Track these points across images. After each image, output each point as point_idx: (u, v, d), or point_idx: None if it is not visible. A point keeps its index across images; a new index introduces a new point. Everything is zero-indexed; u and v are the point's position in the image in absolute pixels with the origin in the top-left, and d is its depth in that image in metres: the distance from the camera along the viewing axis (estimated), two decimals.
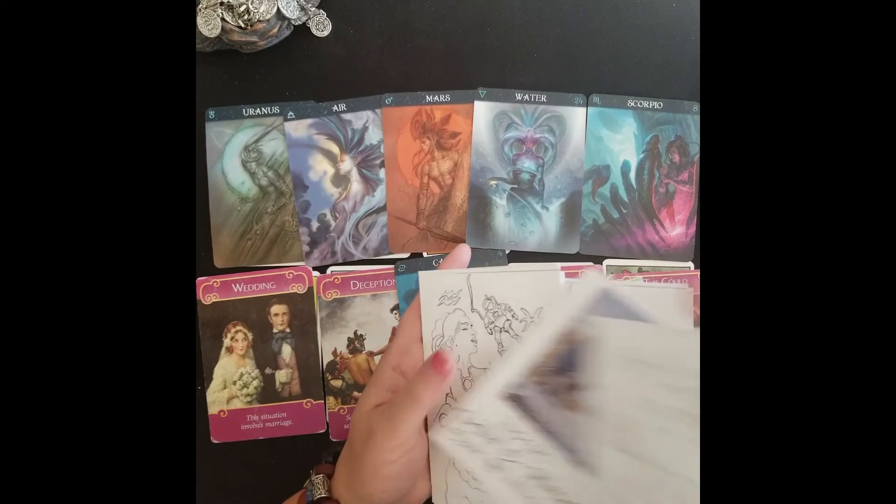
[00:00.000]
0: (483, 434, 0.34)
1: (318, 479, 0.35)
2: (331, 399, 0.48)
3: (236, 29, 0.45)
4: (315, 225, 0.48)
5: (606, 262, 0.48)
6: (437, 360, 0.33)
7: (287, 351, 0.48)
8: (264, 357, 0.48)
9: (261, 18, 0.45)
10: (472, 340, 0.36)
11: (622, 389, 0.31)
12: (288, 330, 0.48)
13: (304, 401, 0.48)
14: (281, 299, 0.48)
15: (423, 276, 0.37)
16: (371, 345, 0.48)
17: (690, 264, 0.48)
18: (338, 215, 0.48)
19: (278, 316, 0.48)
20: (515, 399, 0.33)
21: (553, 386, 0.33)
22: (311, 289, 0.48)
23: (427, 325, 0.37)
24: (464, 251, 0.38)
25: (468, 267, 0.38)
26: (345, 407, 0.48)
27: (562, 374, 0.33)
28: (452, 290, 0.37)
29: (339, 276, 0.48)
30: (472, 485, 0.36)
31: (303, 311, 0.48)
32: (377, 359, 0.48)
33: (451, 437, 0.34)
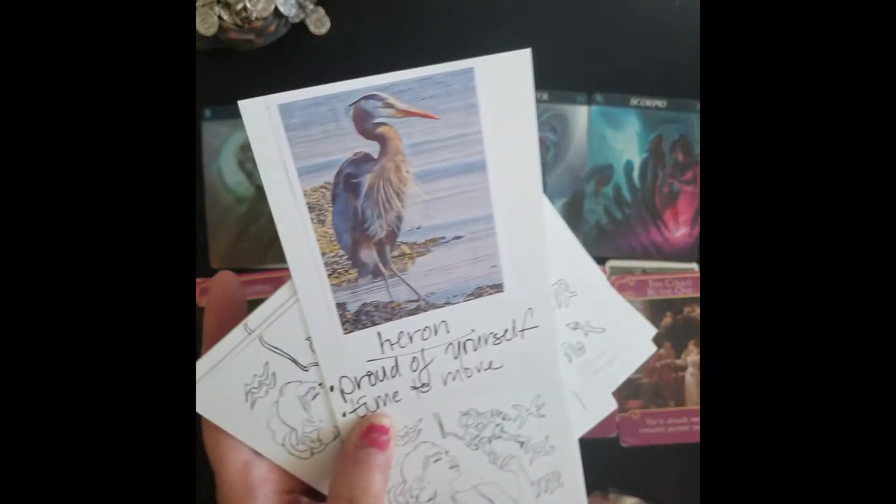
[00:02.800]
0: (377, 378, 0.28)
1: None
2: None
3: (233, 27, 0.45)
4: None
5: (609, 263, 0.48)
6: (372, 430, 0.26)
7: None
8: None
9: (258, 16, 0.44)
10: (451, 468, 0.30)
11: None
12: None
13: None
14: None
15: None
16: None
17: (695, 265, 0.48)
18: None
19: None
20: (355, 320, 0.27)
21: (364, 266, 0.27)
22: None
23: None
24: (225, 281, 0.29)
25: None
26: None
27: (359, 245, 0.26)
28: (408, 425, 0.29)
29: None
30: None
31: None
32: None
33: (360, 416, 0.29)
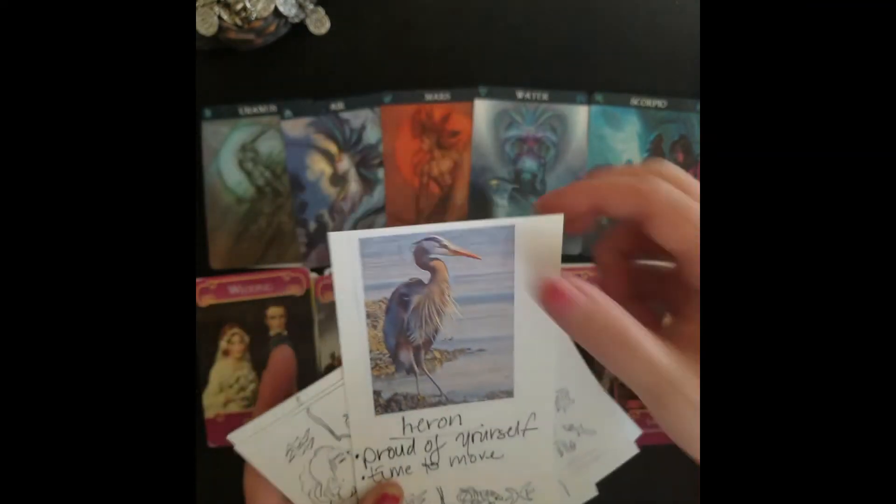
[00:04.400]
0: (397, 454, 0.33)
1: None
2: None
3: (233, 27, 0.45)
4: (313, 225, 0.48)
5: None
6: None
7: None
8: (261, 360, 0.47)
9: (258, 16, 0.44)
10: None
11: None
12: (285, 332, 0.47)
13: None
14: (278, 301, 0.47)
15: None
16: None
17: None
18: (336, 216, 0.48)
19: (275, 318, 0.47)
20: (387, 405, 0.32)
21: (402, 365, 0.32)
22: (308, 291, 0.47)
23: None
24: (284, 356, 0.34)
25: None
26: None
27: (401, 347, 0.31)
28: (414, 494, 0.34)
29: None
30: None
31: (300, 314, 0.47)
32: None
33: (375, 481, 0.33)
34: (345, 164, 0.48)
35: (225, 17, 0.45)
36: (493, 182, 0.48)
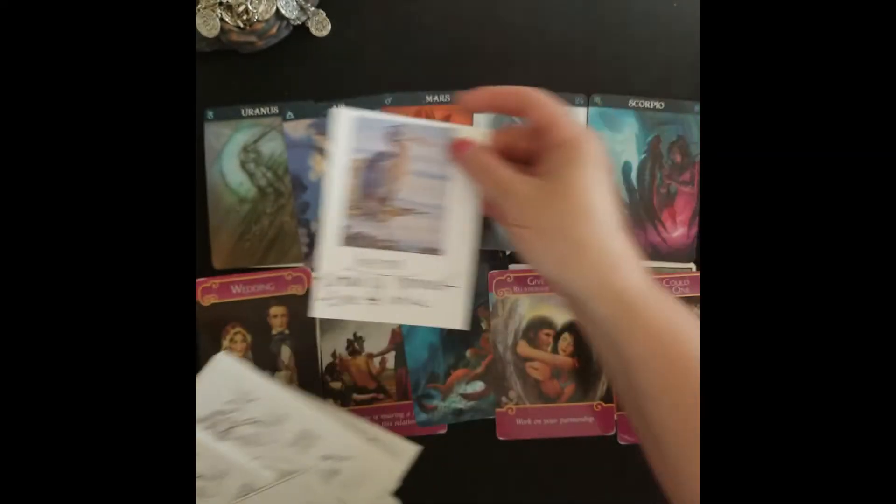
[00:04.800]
0: (350, 282, 0.42)
1: None
2: (330, 401, 0.47)
3: (235, 29, 0.45)
4: (314, 226, 0.48)
5: None
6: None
7: (286, 353, 0.47)
8: (263, 359, 0.47)
9: (260, 18, 0.45)
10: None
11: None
12: (287, 331, 0.48)
13: None
14: (280, 301, 0.47)
15: None
16: (370, 347, 0.48)
17: (692, 265, 0.48)
18: None
19: (277, 317, 0.47)
20: (351, 238, 0.42)
21: (368, 210, 0.42)
22: (310, 290, 0.47)
23: None
24: None
25: None
26: (344, 409, 0.47)
27: (369, 197, 0.42)
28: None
29: None
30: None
31: (302, 313, 0.47)
32: (377, 361, 0.48)
33: (329, 304, 0.42)
34: None
35: (227, 19, 0.45)
36: None
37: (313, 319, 0.47)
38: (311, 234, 0.48)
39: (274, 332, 0.47)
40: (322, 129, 0.48)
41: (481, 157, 0.39)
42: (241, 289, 0.47)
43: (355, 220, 0.41)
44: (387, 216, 0.41)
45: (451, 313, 0.42)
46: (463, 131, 0.41)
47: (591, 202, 0.35)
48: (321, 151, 0.48)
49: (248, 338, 0.47)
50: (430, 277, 0.42)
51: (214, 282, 0.47)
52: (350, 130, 0.41)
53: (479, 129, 0.41)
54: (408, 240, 0.42)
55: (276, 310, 0.47)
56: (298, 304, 0.47)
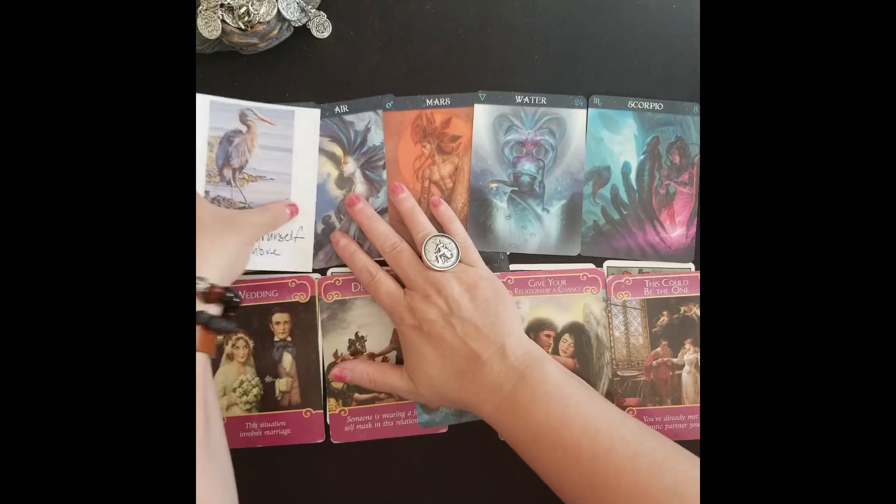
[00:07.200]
0: None
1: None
2: (332, 401, 0.47)
3: (236, 31, 0.45)
4: (320, 227, 0.48)
5: (607, 263, 0.49)
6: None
7: (288, 360, 0.47)
8: (265, 365, 0.47)
9: (261, 20, 0.45)
10: None
11: None
12: (289, 339, 0.47)
13: (304, 410, 0.47)
14: (283, 308, 0.47)
15: None
16: (372, 346, 0.48)
17: (691, 265, 0.49)
18: (342, 217, 0.48)
19: (280, 324, 0.47)
20: (213, 202, 0.47)
21: (225, 178, 0.47)
22: (313, 298, 0.47)
23: None
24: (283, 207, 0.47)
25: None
26: (346, 409, 0.47)
27: (226, 166, 0.47)
28: None
29: (339, 278, 0.47)
30: None
31: (304, 320, 0.47)
32: (378, 360, 0.48)
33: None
34: (350, 166, 0.48)
35: (228, 20, 0.45)
36: (492, 185, 0.48)
37: (316, 328, 0.47)
38: (316, 234, 0.48)
39: (276, 338, 0.47)
40: (326, 131, 0.48)
41: (359, 369, 0.46)
42: (244, 295, 0.47)
43: (213, 187, 0.47)
44: (242, 183, 0.48)
45: (301, 260, 0.48)
46: (301, 114, 0.48)
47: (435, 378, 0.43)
48: (326, 153, 0.48)
49: (250, 344, 0.47)
50: (282, 232, 0.48)
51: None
52: (206, 111, 0.47)
53: (312, 113, 0.48)
54: (260, 202, 0.47)
55: (279, 317, 0.47)
56: (301, 312, 0.47)
